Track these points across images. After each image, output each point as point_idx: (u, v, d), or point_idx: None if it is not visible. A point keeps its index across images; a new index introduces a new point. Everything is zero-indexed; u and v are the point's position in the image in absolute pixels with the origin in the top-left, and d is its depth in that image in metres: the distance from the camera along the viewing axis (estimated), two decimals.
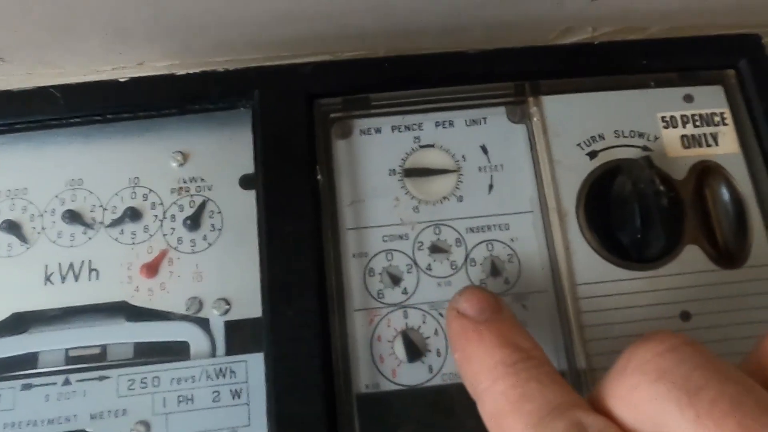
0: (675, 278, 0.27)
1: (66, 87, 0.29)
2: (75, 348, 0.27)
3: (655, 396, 0.17)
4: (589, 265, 0.27)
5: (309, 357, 0.25)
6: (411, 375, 0.27)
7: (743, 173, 0.28)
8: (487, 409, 0.20)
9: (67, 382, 0.26)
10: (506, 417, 0.19)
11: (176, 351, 0.27)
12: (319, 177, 0.28)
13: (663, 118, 0.29)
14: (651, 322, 0.26)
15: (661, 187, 0.25)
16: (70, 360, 0.27)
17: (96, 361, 0.27)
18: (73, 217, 0.28)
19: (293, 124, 0.28)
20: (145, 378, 0.27)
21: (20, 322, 0.27)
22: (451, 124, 0.30)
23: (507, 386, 0.19)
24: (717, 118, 0.29)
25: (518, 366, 0.20)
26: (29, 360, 0.27)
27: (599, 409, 0.18)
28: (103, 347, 0.27)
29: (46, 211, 0.29)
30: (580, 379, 0.26)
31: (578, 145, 0.29)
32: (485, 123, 0.30)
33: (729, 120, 0.29)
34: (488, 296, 0.22)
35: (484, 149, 0.30)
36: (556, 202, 0.28)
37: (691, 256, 0.27)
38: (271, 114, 0.28)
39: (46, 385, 0.26)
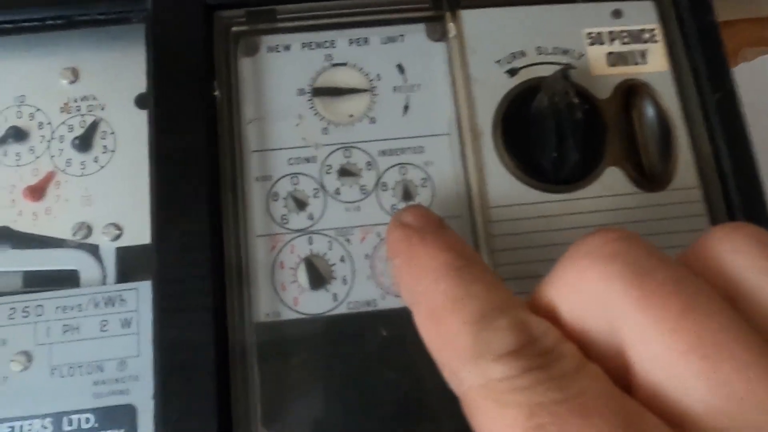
0: (594, 201, 0.25)
1: None
2: None
3: (604, 275, 0.17)
4: (503, 187, 0.25)
5: (197, 281, 0.24)
6: (314, 303, 0.25)
7: (671, 93, 0.27)
8: (423, 310, 0.19)
9: None
10: (445, 315, 0.18)
11: (66, 279, 0.26)
12: (216, 93, 0.26)
13: (589, 34, 0.27)
14: (568, 247, 0.25)
15: (575, 100, 0.24)
16: None
17: None
18: None
19: (189, 37, 0.26)
20: (27, 307, 0.25)
21: None
22: (366, 41, 0.28)
23: (449, 285, 0.18)
24: (646, 35, 0.27)
25: (462, 270, 0.19)
26: None
27: (540, 309, 0.18)
28: None
29: None
30: None
31: (497, 62, 0.27)
32: (402, 41, 0.28)
33: (659, 37, 0.27)
34: (433, 214, 0.21)
35: (400, 68, 0.28)
36: (470, 122, 0.26)
37: (613, 179, 0.26)
38: (164, 26, 0.26)
39: None
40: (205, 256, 0.24)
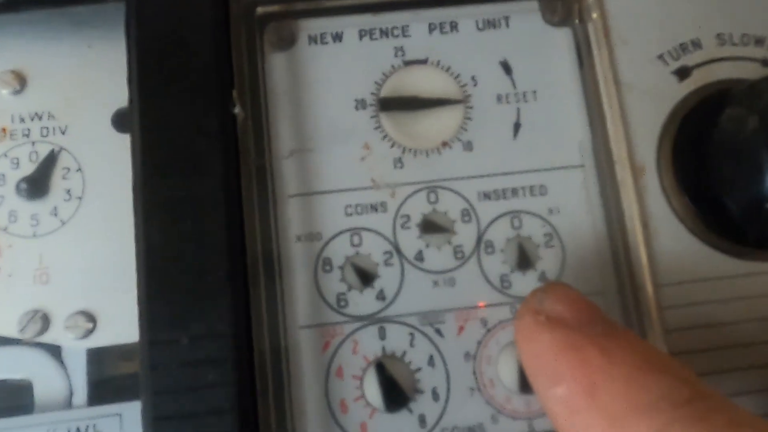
0: None
1: None
2: None
3: None
4: (679, 252, 0.17)
5: (217, 415, 0.15)
6: None
7: None
8: None
9: None
10: None
11: (12, 396, 0.17)
12: (237, 111, 0.17)
13: None
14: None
15: None
16: None
17: None
18: None
19: (193, 23, 0.17)
20: None
21: None
22: (454, 27, 0.19)
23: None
24: None
25: (697, 405, 0.13)
26: None
27: None
28: None
29: None
30: None
31: (659, 57, 0.18)
32: (507, 26, 0.19)
33: None
34: (584, 298, 0.15)
35: (505, 67, 0.19)
36: (625, 151, 0.17)
37: None
38: (156, 7, 0.17)
39: None
40: (224, 372, 0.15)
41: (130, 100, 0.17)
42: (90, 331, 0.17)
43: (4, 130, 0.17)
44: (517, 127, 0.19)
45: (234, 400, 0.16)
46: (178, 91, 0.17)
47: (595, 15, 0.18)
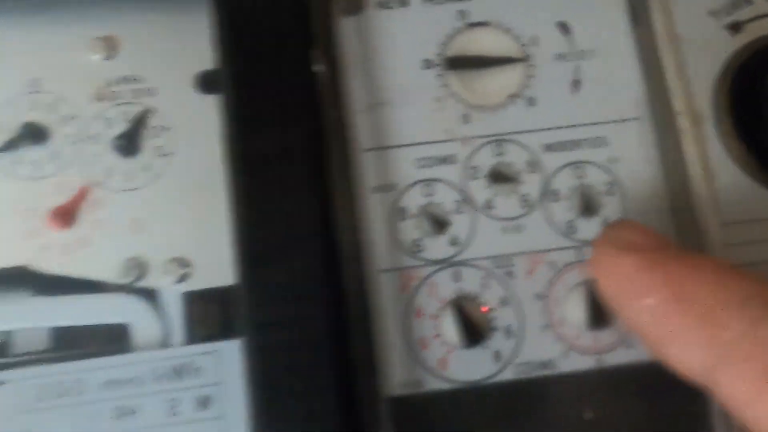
0: None
1: None
2: None
3: None
4: (739, 195, 0.18)
5: (310, 346, 0.16)
6: (469, 367, 0.18)
7: None
8: (749, 370, 0.12)
9: None
10: None
11: (110, 338, 0.18)
12: (317, 69, 0.18)
13: None
14: None
15: None
16: None
17: None
18: None
19: None
20: (63, 382, 0.17)
21: None
22: None
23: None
24: None
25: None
26: None
27: None
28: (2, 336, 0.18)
29: None
30: None
31: (712, 13, 0.19)
32: None
33: None
34: (653, 230, 0.16)
35: (563, 27, 0.20)
36: (684, 102, 0.18)
37: None
38: None
39: None
40: (317, 306, 0.16)
41: (220, 62, 0.18)
42: (185, 277, 0.18)
43: (100, 90, 0.19)
44: (576, 83, 0.20)
45: (326, 333, 0.17)
46: (263, 52, 0.18)
47: None
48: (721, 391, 0.13)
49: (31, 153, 0.19)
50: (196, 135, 0.19)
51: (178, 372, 0.17)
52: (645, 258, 0.14)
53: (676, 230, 0.19)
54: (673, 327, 0.13)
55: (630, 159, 0.19)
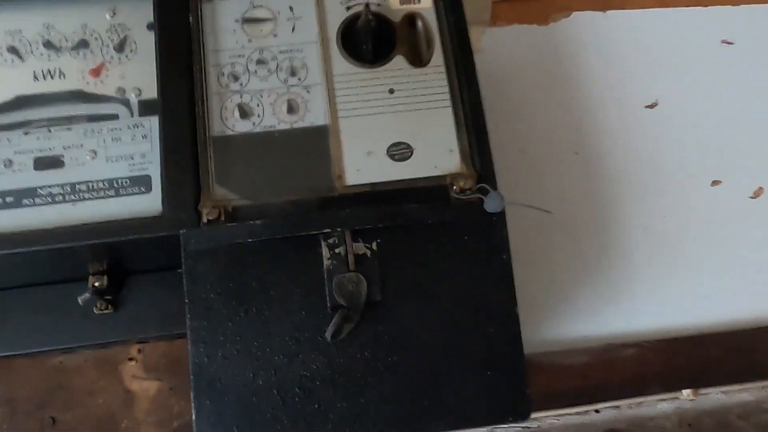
0: (389, 72, 0.49)
1: None
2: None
3: None
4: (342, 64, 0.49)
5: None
6: None
7: (433, 18, 0.50)
8: None
9: (48, 131, 0.47)
10: None
11: (111, 117, 0.48)
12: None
13: None
14: None
15: (370, 16, 0.47)
16: (52, 122, 0.47)
17: (66, 123, 0.48)
18: (48, 45, 0.49)
19: None
20: (93, 129, 0.47)
21: (22, 102, 0.48)
22: None
23: None
24: None
25: None
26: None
27: None
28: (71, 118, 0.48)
29: (34, 42, 0.49)
30: None
31: (341, 2, 0.50)
32: None
33: None
34: None
35: None
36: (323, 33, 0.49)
37: (399, 60, 0.49)
38: None
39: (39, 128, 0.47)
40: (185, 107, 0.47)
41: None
42: (140, 94, 0.48)
43: (112, 26, 0.49)
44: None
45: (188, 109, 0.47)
46: None
47: None
48: None
49: (83, 51, 0.49)
50: (149, 41, 0.50)
51: (136, 126, 0.48)
52: None
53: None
54: None
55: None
